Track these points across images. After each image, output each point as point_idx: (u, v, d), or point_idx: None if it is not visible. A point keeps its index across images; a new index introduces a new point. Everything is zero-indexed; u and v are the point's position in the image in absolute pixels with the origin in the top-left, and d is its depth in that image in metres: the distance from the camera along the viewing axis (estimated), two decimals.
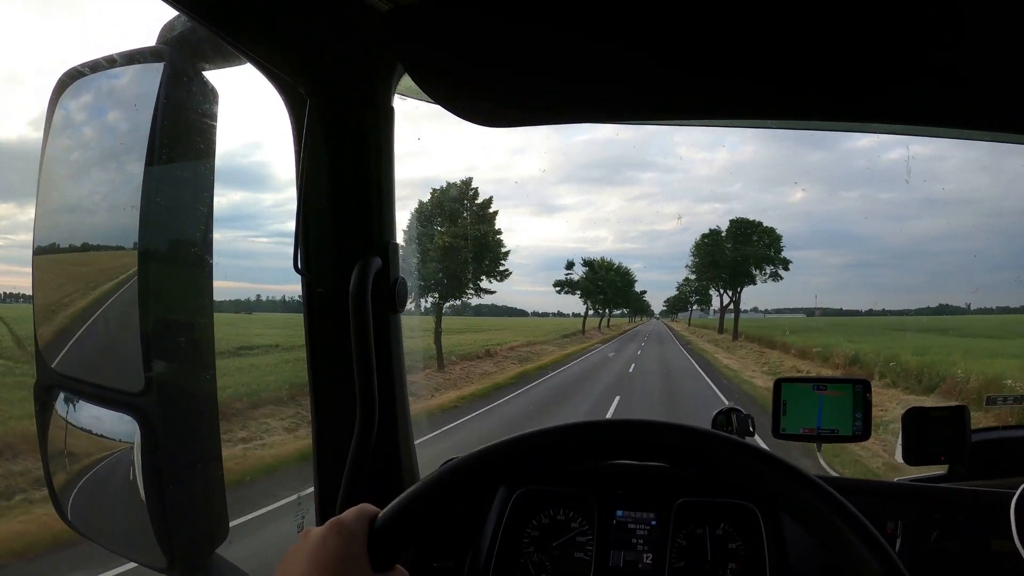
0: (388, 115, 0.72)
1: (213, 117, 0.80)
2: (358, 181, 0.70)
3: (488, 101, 0.69)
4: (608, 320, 32.44)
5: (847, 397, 0.81)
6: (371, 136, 0.71)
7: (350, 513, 0.44)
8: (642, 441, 0.42)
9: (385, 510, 0.43)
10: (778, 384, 0.83)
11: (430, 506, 0.43)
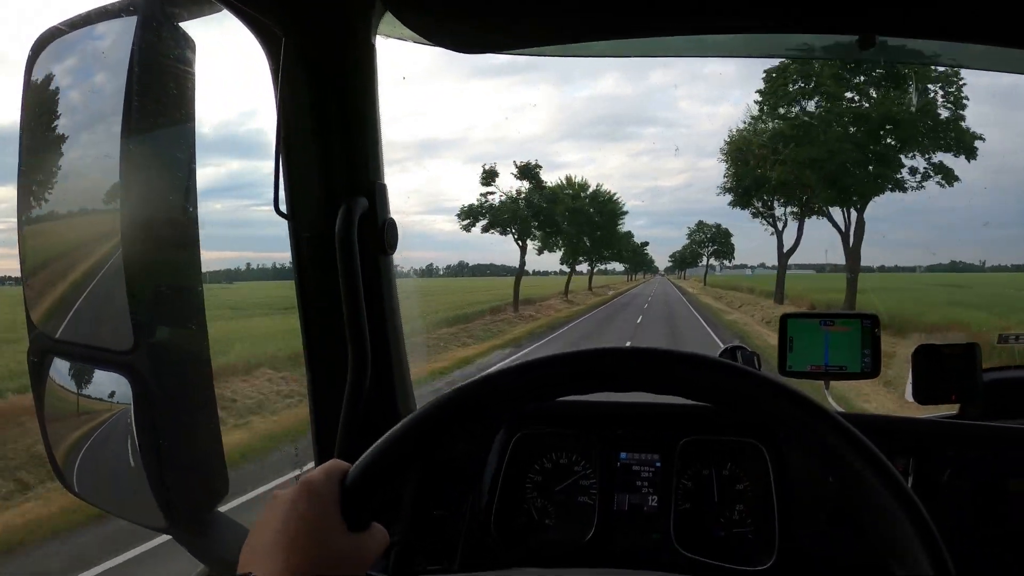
0: (369, 52, 0.69)
1: (190, 66, 0.78)
2: (340, 120, 0.67)
3: (472, 24, 0.66)
4: (590, 281, 24.78)
5: (855, 332, 0.79)
6: (352, 73, 0.68)
7: (319, 472, 0.42)
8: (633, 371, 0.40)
9: (354, 466, 0.41)
10: (784, 320, 0.80)
11: (402, 458, 0.40)
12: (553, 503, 0.76)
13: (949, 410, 0.92)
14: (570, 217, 19.12)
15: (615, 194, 21.84)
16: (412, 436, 0.41)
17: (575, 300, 20.51)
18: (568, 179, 20.33)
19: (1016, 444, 0.72)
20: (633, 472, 0.76)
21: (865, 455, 0.37)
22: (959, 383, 0.87)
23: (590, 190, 20.79)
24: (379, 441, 0.41)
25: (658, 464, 0.76)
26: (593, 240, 20.88)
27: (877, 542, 0.37)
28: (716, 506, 0.74)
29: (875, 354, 0.79)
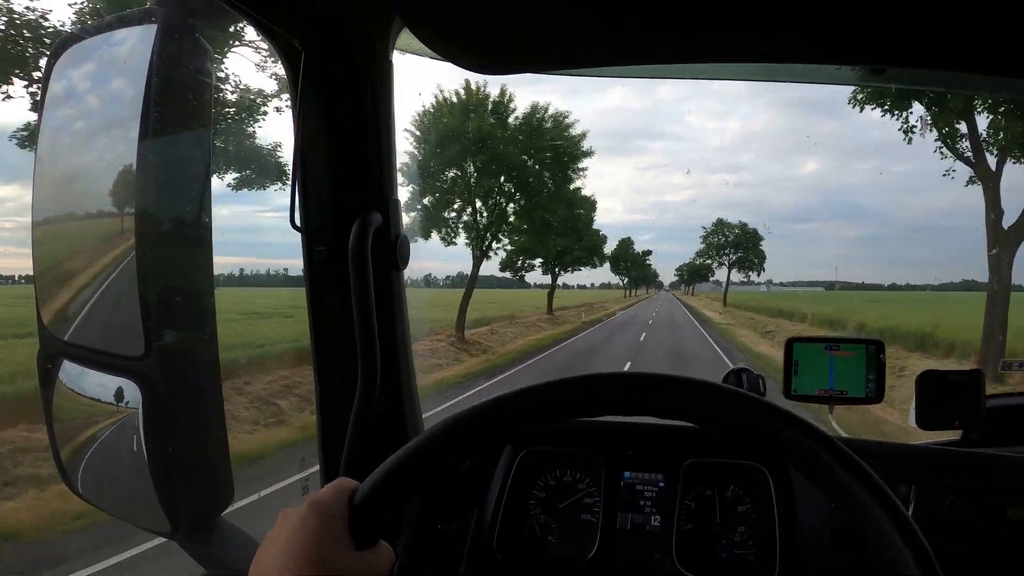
0: (387, 68, 0.70)
1: (209, 76, 0.79)
2: (356, 135, 0.68)
3: (487, 46, 0.67)
4: (549, 300, 17.43)
5: (860, 358, 0.79)
6: (369, 89, 0.69)
7: (328, 490, 0.42)
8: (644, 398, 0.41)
9: (363, 484, 0.42)
10: (789, 344, 0.81)
11: (412, 476, 0.41)
12: (557, 520, 0.77)
13: (952, 435, 0.93)
14: (482, 163, 10.49)
15: (567, 119, 11.51)
16: (422, 457, 0.41)
17: (543, 323, 15.64)
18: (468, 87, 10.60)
19: (1016, 472, 0.73)
20: (637, 491, 0.76)
21: (865, 482, 0.38)
22: (962, 409, 0.87)
23: (514, 110, 10.88)
24: (389, 460, 0.41)
25: (662, 484, 0.76)
26: (527, 215, 11.70)
27: (878, 567, 0.37)
28: (718, 527, 0.75)
29: (879, 379, 0.80)
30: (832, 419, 0.86)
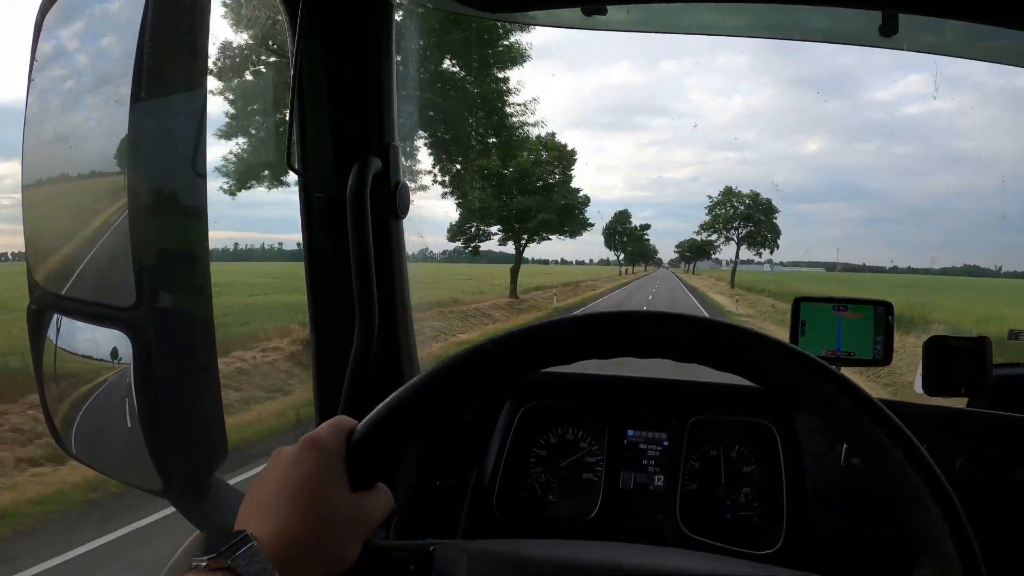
0: (387, 12, 0.68)
1: (204, 28, 0.77)
2: (355, 79, 0.66)
3: None
4: (516, 270, 13.35)
5: (867, 319, 0.78)
6: (369, 33, 0.67)
7: (325, 427, 0.41)
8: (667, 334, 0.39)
9: (362, 422, 0.41)
10: (797, 303, 0.79)
11: (411, 416, 0.40)
12: (558, 479, 0.75)
13: (957, 403, 0.92)
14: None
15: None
16: (421, 395, 0.40)
17: (499, 310, 11.90)
18: None
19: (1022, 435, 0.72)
20: (640, 450, 0.75)
21: (907, 448, 0.37)
22: (969, 376, 0.86)
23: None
24: (387, 399, 0.40)
25: (666, 443, 0.74)
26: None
27: (909, 534, 0.36)
28: (723, 488, 0.73)
29: (887, 342, 0.79)
30: None
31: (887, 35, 0.82)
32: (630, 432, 0.76)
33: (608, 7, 0.68)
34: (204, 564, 0.35)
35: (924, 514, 0.35)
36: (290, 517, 0.37)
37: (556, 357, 0.40)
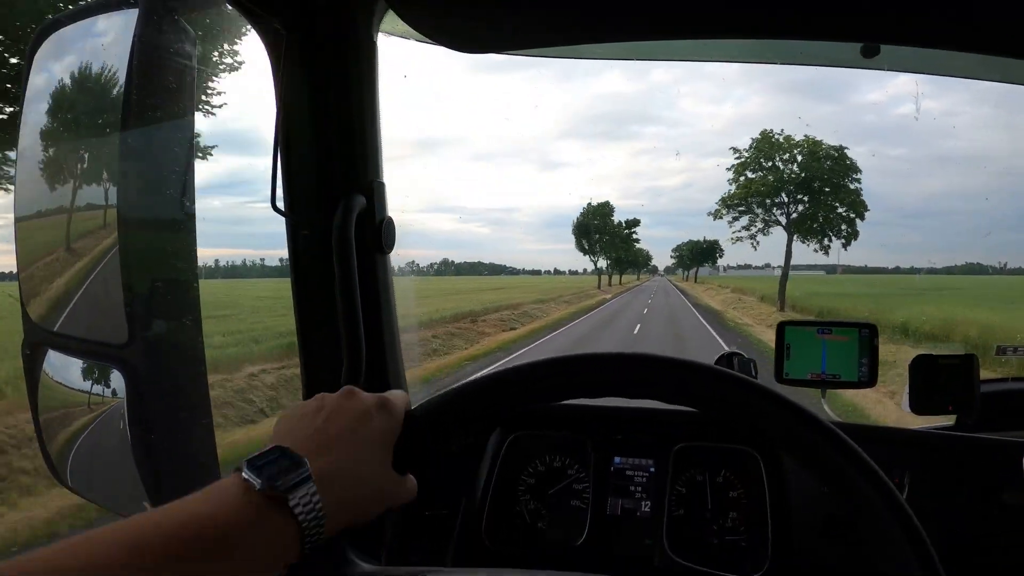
0: (371, 49, 0.69)
1: (190, 60, 0.78)
2: (340, 117, 0.67)
3: (474, 24, 0.66)
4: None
5: (852, 342, 0.79)
6: (353, 70, 0.68)
7: (397, 398, 0.41)
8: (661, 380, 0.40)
9: (419, 406, 0.42)
10: (781, 327, 0.80)
11: (465, 410, 0.41)
12: (546, 506, 0.76)
13: (946, 420, 0.92)
14: None
15: None
16: (477, 395, 0.41)
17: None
18: None
19: (1011, 456, 0.72)
20: (627, 477, 0.75)
21: (860, 467, 0.37)
22: (956, 394, 0.87)
23: None
24: (445, 392, 0.41)
25: (652, 469, 0.75)
26: None
27: (872, 551, 0.37)
28: (710, 513, 0.74)
29: (872, 363, 0.79)
30: (825, 403, 0.86)
31: (869, 56, 0.83)
32: (616, 459, 0.76)
33: (591, 46, 0.69)
34: (259, 486, 0.32)
35: (885, 532, 0.36)
36: (350, 463, 0.37)
37: (595, 391, 0.41)
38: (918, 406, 0.85)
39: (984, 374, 0.89)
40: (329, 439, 0.37)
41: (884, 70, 0.88)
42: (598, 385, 0.41)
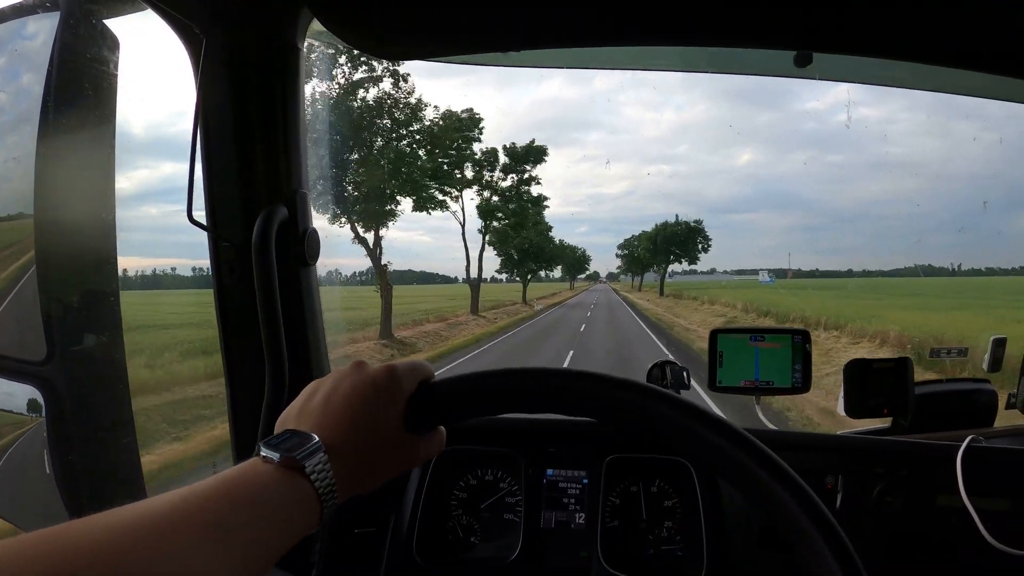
0: (294, 56, 0.67)
1: (113, 65, 0.75)
2: (261, 125, 0.65)
3: (401, 32, 0.65)
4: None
5: (785, 348, 0.80)
6: (275, 78, 0.66)
7: (405, 365, 0.42)
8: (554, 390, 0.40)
9: (439, 377, 0.43)
10: (714, 335, 0.81)
11: (484, 391, 0.41)
12: (479, 520, 0.75)
13: (882, 423, 0.94)
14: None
15: None
16: (495, 378, 0.41)
17: None
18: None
19: (946, 460, 0.73)
20: (560, 489, 0.75)
21: (777, 474, 0.37)
22: (891, 397, 0.88)
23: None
24: (464, 373, 0.42)
25: (585, 481, 0.75)
26: None
27: (797, 558, 0.37)
28: (644, 523, 0.74)
29: (806, 369, 0.80)
30: (758, 410, 0.87)
31: (801, 66, 0.85)
32: (549, 471, 0.76)
33: (524, 53, 0.69)
34: (277, 459, 0.35)
35: (808, 540, 0.35)
36: (354, 433, 0.39)
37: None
38: (853, 410, 0.86)
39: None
40: (332, 414, 0.40)
41: (816, 79, 0.89)
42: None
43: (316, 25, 0.68)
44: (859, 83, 0.91)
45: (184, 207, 0.62)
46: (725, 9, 0.66)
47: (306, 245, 0.66)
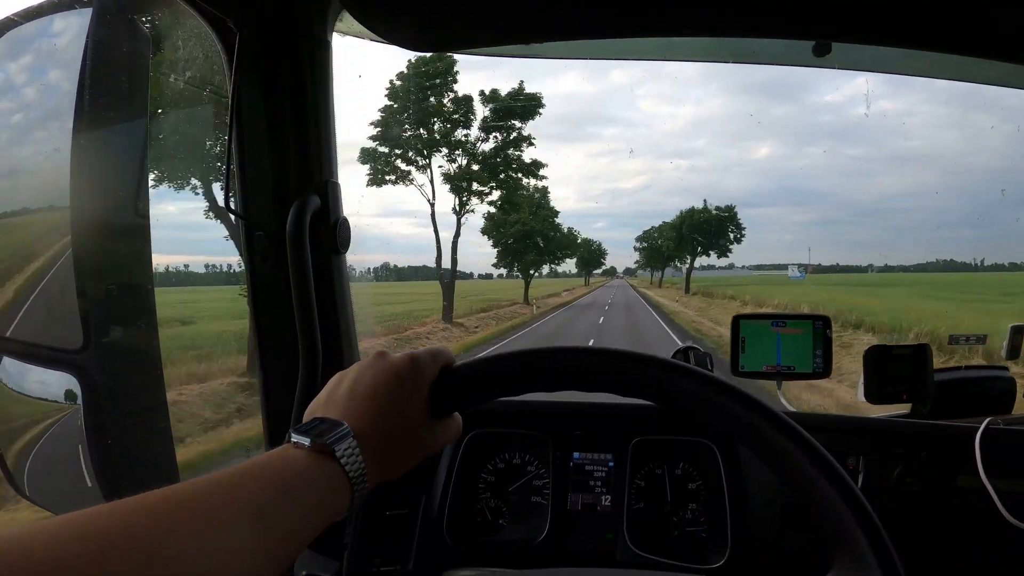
0: (325, 49, 0.69)
1: (145, 60, 0.77)
2: (294, 117, 0.67)
3: (429, 24, 0.66)
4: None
5: (807, 334, 0.81)
6: (307, 70, 0.68)
7: (426, 352, 0.44)
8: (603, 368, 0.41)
9: (460, 362, 0.44)
10: (736, 321, 0.82)
11: (502, 375, 0.42)
12: (507, 503, 0.76)
13: (900, 409, 0.94)
14: None
15: None
16: (514, 360, 0.42)
17: None
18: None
19: (965, 442, 0.74)
20: (586, 472, 0.76)
21: (808, 451, 0.38)
22: (910, 383, 0.89)
23: None
24: (485, 355, 0.43)
25: (611, 464, 0.76)
26: None
27: (824, 535, 0.37)
28: (669, 505, 0.75)
29: (827, 355, 0.81)
30: (780, 395, 0.88)
31: (820, 55, 0.85)
32: (576, 455, 0.77)
33: (548, 44, 0.70)
34: (308, 444, 0.37)
35: (836, 517, 0.36)
36: (380, 420, 0.40)
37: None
38: (872, 395, 0.87)
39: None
40: (358, 402, 0.41)
41: (835, 68, 0.90)
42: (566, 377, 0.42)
43: (347, 18, 0.70)
44: (877, 72, 0.91)
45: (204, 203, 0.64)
46: (745, 1, 0.67)
47: (338, 234, 0.68)
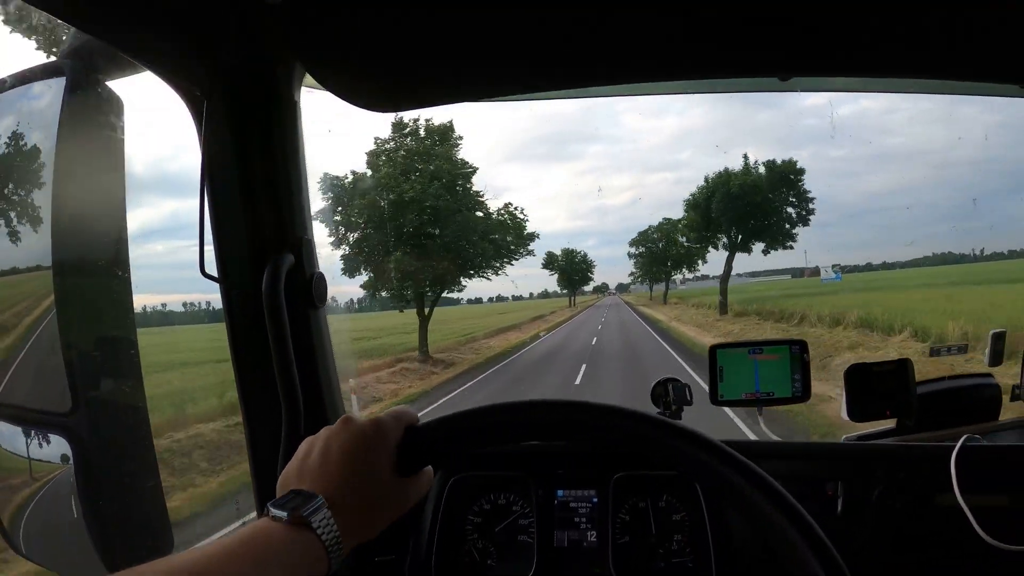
0: (292, 108, 0.70)
1: (118, 127, 0.78)
2: (263, 178, 0.68)
3: (389, 85, 0.67)
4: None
5: (784, 360, 0.81)
6: (275, 131, 0.69)
7: (389, 414, 0.46)
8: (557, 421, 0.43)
9: (423, 421, 0.46)
10: (713, 351, 0.83)
11: (465, 431, 0.45)
12: (494, 543, 0.77)
13: (887, 424, 0.95)
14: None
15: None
16: (476, 417, 0.45)
17: None
18: None
19: (941, 460, 0.74)
20: (571, 508, 0.77)
21: (756, 482, 0.39)
22: (893, 399, 0.89)
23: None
24: (447, 414, 0.45)
25: (595, 500, 0.77)
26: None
27: (782, 563, 0.38)
28: (654, 537, 0.76)
29: (805, 378, 0.82)
30: (761, 420, 0.88)
31: (785, 80, 0.87)
32: (559, 492, 0.78)
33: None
34: (286, 518, 0.39)
35: (792, 547, 0.37)
36: (352, 487, 0.42)
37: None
38: (855, 414, 0.88)
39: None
40: (329, 471, 0.43)
41: (798, 92, 0.92)
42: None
43: (310, 79, 0.71)
44: (840, 91, 0.93)
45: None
46: (712, 49, 0.68)
47: (313, 289, 0.69)
